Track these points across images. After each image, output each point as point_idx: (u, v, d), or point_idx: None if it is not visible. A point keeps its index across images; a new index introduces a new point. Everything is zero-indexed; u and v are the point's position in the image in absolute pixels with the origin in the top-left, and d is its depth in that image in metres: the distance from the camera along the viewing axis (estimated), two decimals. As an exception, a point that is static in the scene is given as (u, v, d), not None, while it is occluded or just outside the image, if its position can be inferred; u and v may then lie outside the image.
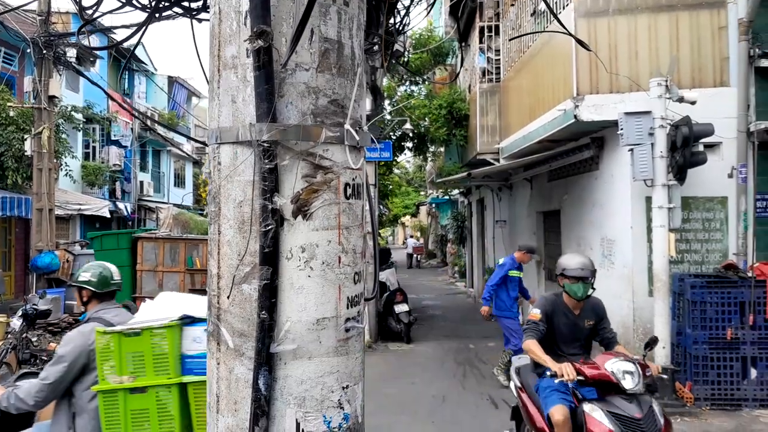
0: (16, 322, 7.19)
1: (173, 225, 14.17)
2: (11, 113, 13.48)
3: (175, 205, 21.24)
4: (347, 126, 1.74)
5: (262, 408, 1.53)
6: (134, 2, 2.12)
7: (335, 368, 1.65)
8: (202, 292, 7.23)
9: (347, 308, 1.68)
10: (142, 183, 21.05)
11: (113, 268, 3.60)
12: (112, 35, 18.25)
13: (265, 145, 1.62)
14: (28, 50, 12.60)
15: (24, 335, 7.10)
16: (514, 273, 7.98)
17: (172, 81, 24.39)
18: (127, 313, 3.57)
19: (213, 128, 1.78)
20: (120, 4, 2.14)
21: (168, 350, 3.07)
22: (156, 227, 16.46)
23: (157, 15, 2.19)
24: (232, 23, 1.76)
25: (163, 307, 3.31)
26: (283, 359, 1.58)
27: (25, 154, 13.04)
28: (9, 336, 7.11)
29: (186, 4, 2.20)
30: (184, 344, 3.14)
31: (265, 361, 1.55)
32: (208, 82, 1.89)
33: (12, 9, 8.66)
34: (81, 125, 16.88)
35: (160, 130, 18.76)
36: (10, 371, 7.04)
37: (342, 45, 1.80)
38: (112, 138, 19.18)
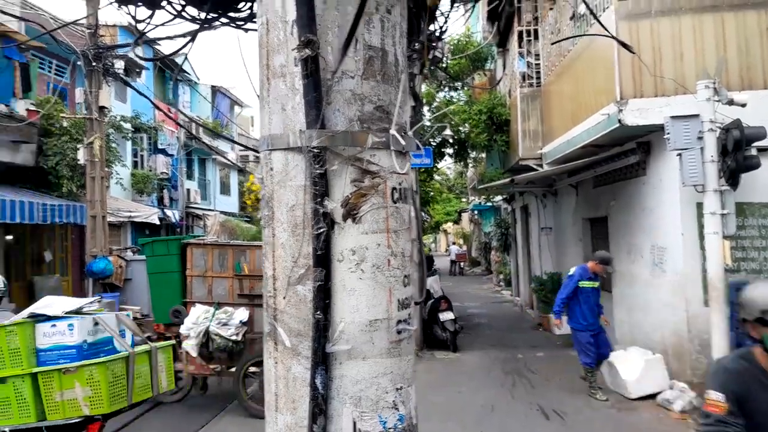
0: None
1: (220, 231, 14.53)
2: (64, 124, 14.01)
3: (221, 212, 21.78)
4: (393, 131, 1.77)
5: (320, 407, 1.58)
6: (185, 14, 2.22)
7: (389, 369, 1.68)
8: (251, 297, 7.38)
9: (398, 310, 1.72)
10: (189, 191, 21.65)
11: None
12: (156, 46, 18.86)
13: (315, 151, 1.67)
14: (79, 62, 13.05)
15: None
16: (585, 284, 7.65)
17: (215, 90, 25.01)
18: (9, 315, 4.07)
19: (264, 135, 1.84)
20: (171, 16, 2.24)
21: (20, 345, 3.52)
22: (204, 234, 16.89)
23: (205, 26, 2.27)
24: (280, 33, 1.81)
25: (48, 306, 3.80)
26: (338, 359, 1.63)
27: (79, 163, 13.52)
28: (65, 338, 7.41)
29: (233, 15, 2.29)
30: (37, 339, 3.59)
31: (322, 361, 1.59)
32: (257, 92, 1.96)
33: (65, 24, 9.03)
34: (129, 135, 17.46)
35: (205, 138, 19.24)
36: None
37: (386, 52, 1.84)
38: (159, 147, 19.79)
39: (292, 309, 1.67)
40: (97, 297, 10.15)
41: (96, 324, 3.68)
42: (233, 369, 7.36)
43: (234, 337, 7.19)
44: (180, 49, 2.59)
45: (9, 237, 14.12)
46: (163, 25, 2.28)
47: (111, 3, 2.13)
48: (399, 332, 1.71)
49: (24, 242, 14.85)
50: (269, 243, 1.76)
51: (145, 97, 15.26)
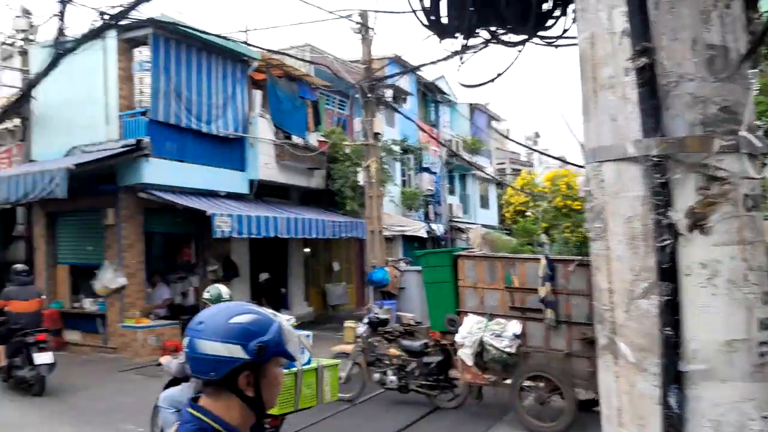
0: (362, 328, 8.40)
1: (482, 244, 14.93)
2: (347, 150, 15.85)
3: (481, 225, 22.42)
4: (743, 132, 1.63)
5: (675, 427, 1.51)
6: (498, 39, 2.34)
7: (753, 394, 1.53)
8: (522, 310, 7.40)
9: (759, 331, 1.56)
10: (451, 205, 22.77)
11: (224, 288, 5.42)
12: (419, 72, 20.22)
13: (654, 160, 1.61)
14: (356, 95, 14.63)
15: (369, 340, 8.23)
16: None
17: (472, 108, 25.90)
18: None
19: (591, 148, 1.83)
20: (484, 43, 2.39)
21: None
22: (466, 246, 17.54)
23: (519, 49, 2.37)
24: (607, 45, 1.80)
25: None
26: (691, 379, 1.54)
27: (359, 184, 15.15)
28: (358, 340, 8.32)
29: (543, 34, 2.34)
30: None
31: (674, 379, 1.52)
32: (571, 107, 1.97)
33: (376, 77, 10.13)
34: (398, 156, 19.00)
35: (465, 155, 20.00)
36: (361, 371, 8.20)
37: (727, 49, 1.71)
38: (423, 165, 21.19)
39: (634, 324, 1.63)
40: (380, 303, 11.24)
41: None
42: (508, 381, 7.42)
43: (508, 349, 7.26)
44: (499, 75, 2.71)
45: (307, 250, 16.49)
46: (482, 49, 2.44)
47: (428, 37, 2.35)
48: (762, 355, 1.55)
49: (318, 254, 17.18)
50: (602, 256, 1.74)
51: (411, 120, 16.47)
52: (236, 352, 1.47)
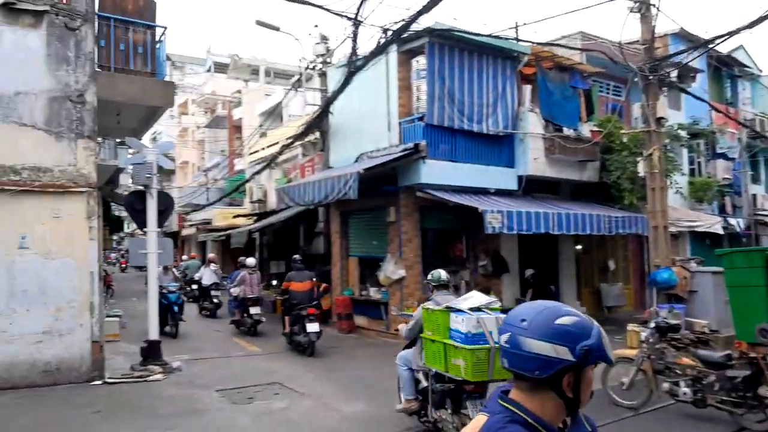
0: (647, 333, 7.68)
1: (800, 242, 12.41)
2: (624, 139, 14.70)
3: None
4: None
5: None
6: None
7: None
8: None
9: None
10: (755, 196, 19.39)
11: (443, 272, 6.35)
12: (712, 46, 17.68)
13: None
14: (635, 79, 13.43)
15: (657, 346, 7.49)
16: None
17: (785, 80, 21.81)
18: (451, 297, 5.94)
19: None
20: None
21: (441, 323, 5.51)
22: (776, 245, 14.87)
23: None
24: None
25: (466, 299, 5.49)
26: None
27: (638, 175, 13.93)
28: (643, 345, 7.64)
29: None
30: (450, 322, 5.35)
31: None
32: None
33: (659, 56, 9.24)
34: (686, 142, 16.97)
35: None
36: (646, 379, 7.52)
37: None
38: (718, 151, 18.48)
39: None
40: (668, 307, 10.15)
41: (478, 322, 5.20)
42: None
43: None
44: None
45: (578, 247, 15.79)
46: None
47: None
48: None
49: (591, 252, 16.33)
50: None
51: (703, 101, 14.55)
52: (564, 354, 1.51)
